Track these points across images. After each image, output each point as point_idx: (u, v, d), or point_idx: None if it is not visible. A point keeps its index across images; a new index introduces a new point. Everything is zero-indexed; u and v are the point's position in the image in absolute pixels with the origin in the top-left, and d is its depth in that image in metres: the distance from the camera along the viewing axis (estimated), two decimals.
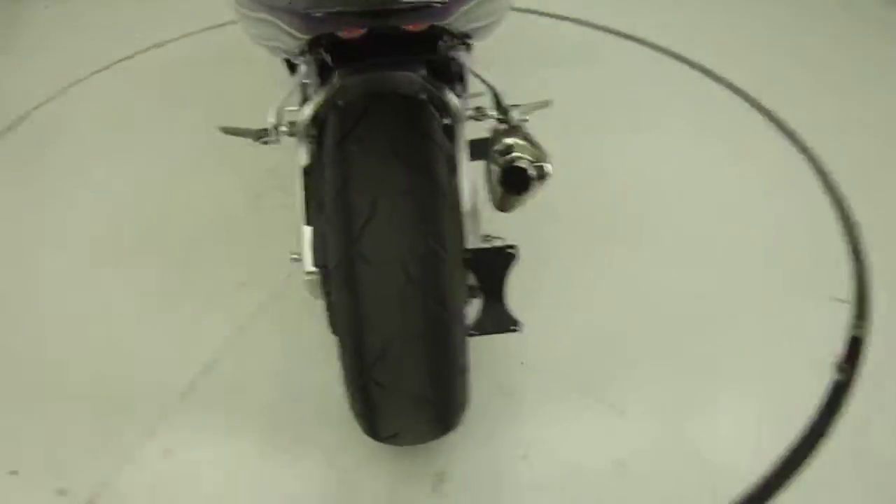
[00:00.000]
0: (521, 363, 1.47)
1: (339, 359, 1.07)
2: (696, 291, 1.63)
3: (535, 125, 1.16)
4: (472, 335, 1.14)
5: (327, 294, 1.07)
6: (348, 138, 1.01)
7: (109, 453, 1.36)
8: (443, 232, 0.99)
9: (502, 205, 1.12)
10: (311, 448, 1.35)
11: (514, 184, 1.05)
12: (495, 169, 1.09)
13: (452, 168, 1.13)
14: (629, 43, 2.46)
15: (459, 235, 1.10)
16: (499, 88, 1.21)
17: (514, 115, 1.18)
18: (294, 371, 1.48)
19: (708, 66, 2.32)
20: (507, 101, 1.22)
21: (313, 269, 1.10)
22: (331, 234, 0.99)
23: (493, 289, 1.12)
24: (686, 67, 2.34)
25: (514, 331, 1.17)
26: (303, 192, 1.17)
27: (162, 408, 1.42)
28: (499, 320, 1.15)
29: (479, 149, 1.20)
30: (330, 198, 0.99)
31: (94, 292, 1.67)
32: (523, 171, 1.05)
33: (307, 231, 1.15)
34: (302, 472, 1.32)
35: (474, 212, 1.16)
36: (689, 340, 1.53)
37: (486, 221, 1.22)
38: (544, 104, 1.28)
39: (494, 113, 1.23)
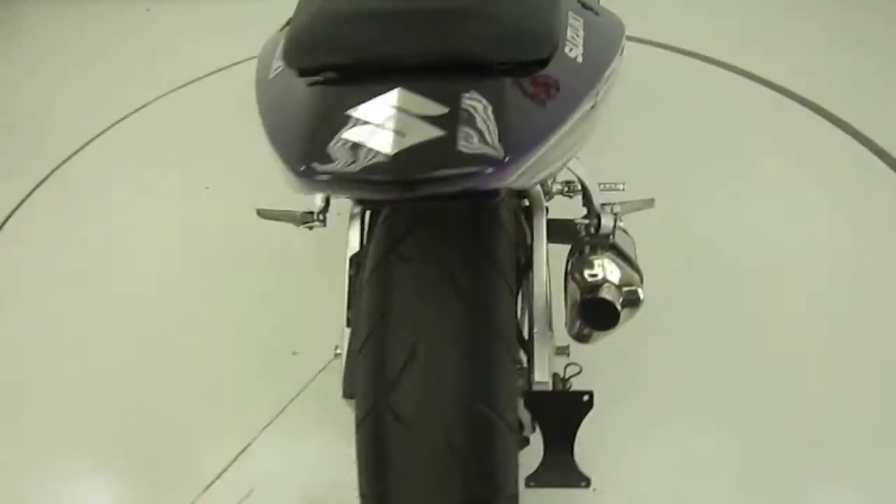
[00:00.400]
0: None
1: None
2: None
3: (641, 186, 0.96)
4: (529, 486, 0.93)
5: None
6: (395, 252, 0.81)
7: None
8: (500, 389, 0.77)
9: (580, 336, 0.90)
10: None
11: (597, 319, 0.84)
12: (575, 292, 0.87)
13: (526, 263, 0.93)
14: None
15: (522, 376, 0.89)
16: (590, 183, 1.00)
17: (607, 220, 0.95)
18: (328, 467, 1.31)
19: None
20: (600, 196, 1.01)
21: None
22: (361, 370, 0.80)
23: (559, 438, 0.90)
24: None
25: (582, 487, 0.95)
26: (347, 284, 1.00)
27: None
28: (563, 473, 0.93)
29: (561, 231, 1.00)
30: (363, 326, 0.80)
31: (136, 352, 1.57)
32: (610, 305, 0.83)
33: (347, 335, 0.98)
34: None
35: (547, 313, 0.92)
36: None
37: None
38: (647, 203, 1.05)
39: (583, 209, 1.02)
